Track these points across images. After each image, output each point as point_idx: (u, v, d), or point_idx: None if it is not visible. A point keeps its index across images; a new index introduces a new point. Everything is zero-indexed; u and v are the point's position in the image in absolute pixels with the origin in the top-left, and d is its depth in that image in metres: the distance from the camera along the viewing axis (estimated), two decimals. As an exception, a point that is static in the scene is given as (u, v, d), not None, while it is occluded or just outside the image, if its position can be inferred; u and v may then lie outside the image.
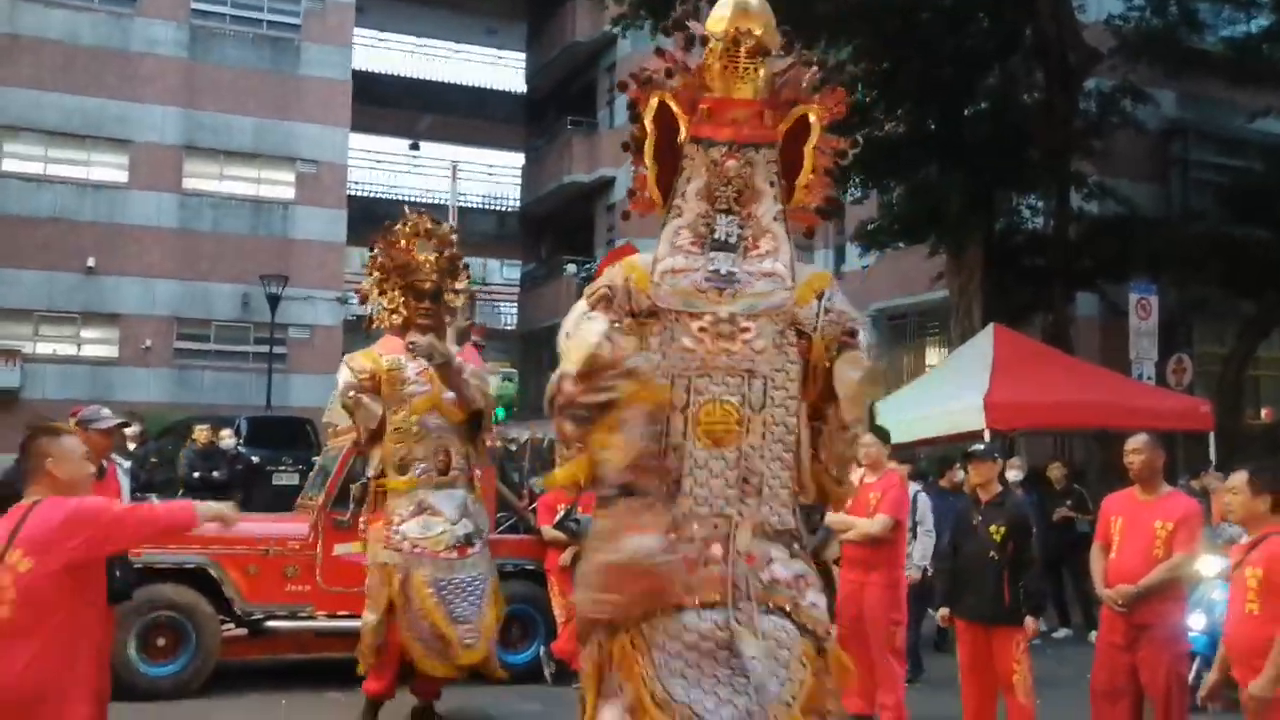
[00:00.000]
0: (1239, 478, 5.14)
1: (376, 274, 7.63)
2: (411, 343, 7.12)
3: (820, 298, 3.55)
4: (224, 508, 4.51)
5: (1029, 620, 6.63)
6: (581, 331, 3.28)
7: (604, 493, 3.24)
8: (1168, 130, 22.15)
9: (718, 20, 3.53)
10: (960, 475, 11.24)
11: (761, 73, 3.56)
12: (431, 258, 7.54)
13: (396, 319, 7.54)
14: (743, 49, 3.51)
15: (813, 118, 3.65)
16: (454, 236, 7.89)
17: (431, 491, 7.18)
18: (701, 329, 3.43)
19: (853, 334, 3.56)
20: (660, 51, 3.60)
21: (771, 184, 3.60)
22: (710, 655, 3.22)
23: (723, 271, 3.48)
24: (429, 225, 7.67)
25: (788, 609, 3.36)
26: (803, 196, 3.69)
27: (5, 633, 3.74)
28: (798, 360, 3.49)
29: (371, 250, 7.77)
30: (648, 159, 3.63)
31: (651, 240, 3.73)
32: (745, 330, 3.43)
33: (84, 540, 3.85)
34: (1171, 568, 5.82)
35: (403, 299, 7.53)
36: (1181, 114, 22.26)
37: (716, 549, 3.33)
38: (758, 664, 3.23)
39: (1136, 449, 6.14)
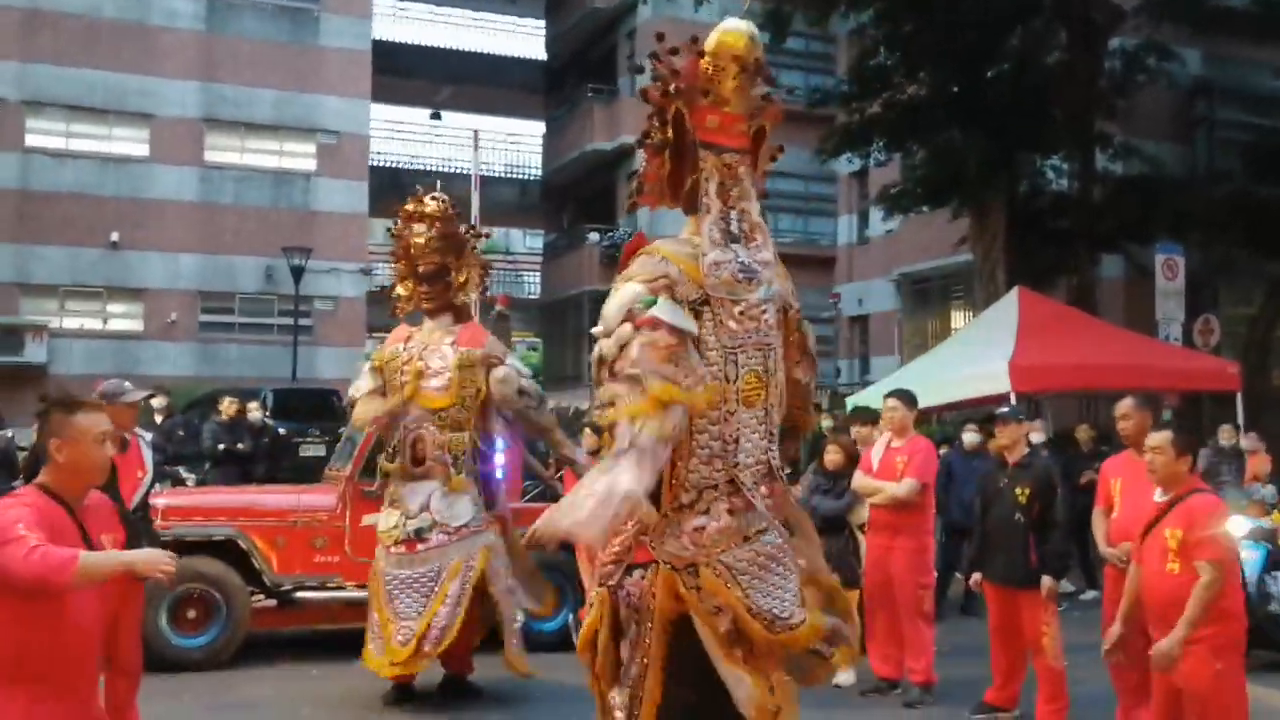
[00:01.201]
0: (1162, 437, 5.12)
1: (400, 265, 7.69)
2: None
3: (787, 279, 4.31)
4: (125, 557, 3.52)
5: (1046, 581, 6.61)
6: (681, 318, 3.87)
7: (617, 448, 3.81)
8: (1193, 89, 21.86)
9: (734, 43, 4.03)
10: (970, 437, 11.21)
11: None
12: (421, 240, 7.50)
13: (409, 306, 7.59)
14: (756, 73, 4.10)
15: (767, 126, 4.28)
16: (453, 210, 7.76)
17: (403, 483, 7.21)
18: (741, 313, 4.04)
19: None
20: (658, 58, 4.09)
21: (752, 184, 4.22)
22: (766, 568, 4.04)
23: (746, 263, 4.07)
24: (417, 206, 7.61)
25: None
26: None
27: None
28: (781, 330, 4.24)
29: (390, 234, 7.81)
30: (669, 160, 4.15)
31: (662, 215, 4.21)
32: (764, 312, 4.10)
33: None
34: None
35: (414, 285, 7.55)
36: (1207, 72, 21.95)
37: (763, 489, 4.10)
38: (795, 570, 4.17)
39: (1125, 414, 6.26)
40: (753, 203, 4.16)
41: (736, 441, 4.02)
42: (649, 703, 3.93)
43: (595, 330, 4.02)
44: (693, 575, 3.95)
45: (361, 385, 7.45)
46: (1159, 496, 5.16)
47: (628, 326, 3.84)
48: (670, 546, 3.97)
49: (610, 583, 4.07)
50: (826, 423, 12.52)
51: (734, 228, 4.08)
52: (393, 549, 7.07)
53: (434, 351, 7.28)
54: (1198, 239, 17.69)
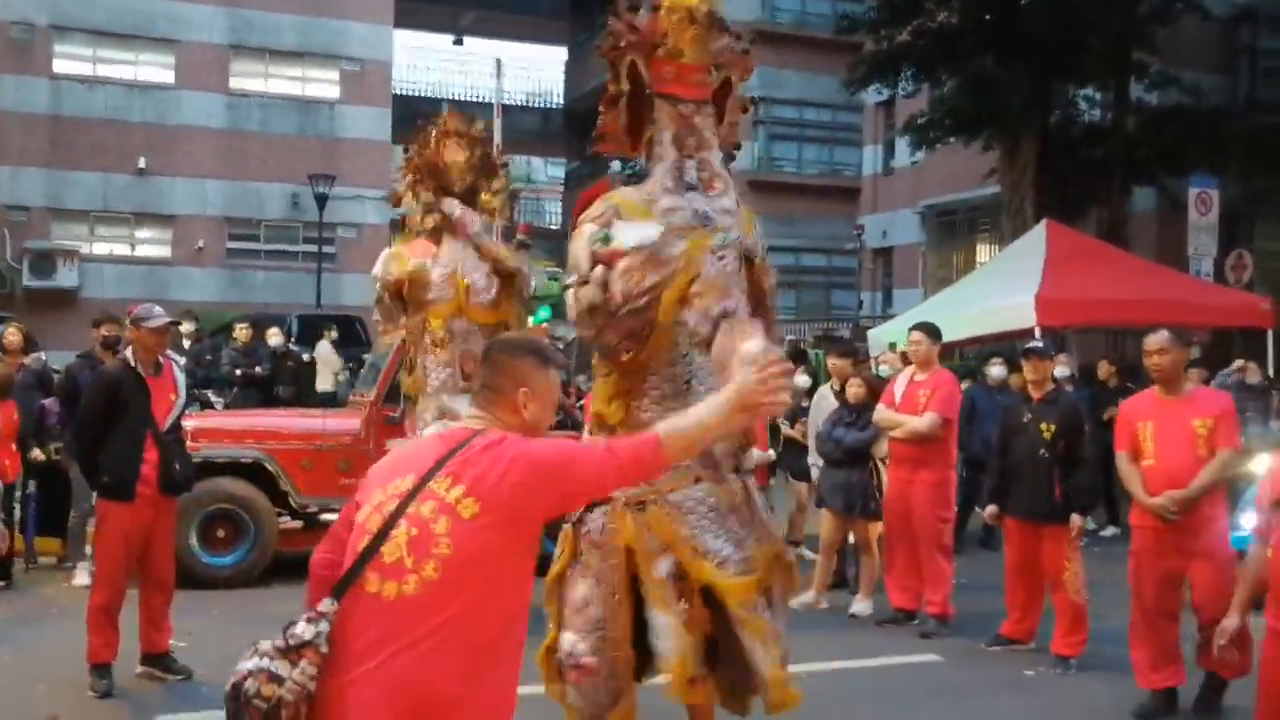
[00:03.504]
0: None
1: (410, 176, 7.52)
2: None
3: (754, 229, 4.41)
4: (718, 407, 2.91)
5: (1075, 518, 6.62)
6: (639, 227, 4.00)
7: (704, 329, 4.04)
8: (1236, 16, 21.36)
9: None
10: (995, 371, 11.17)
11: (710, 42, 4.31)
12: (461, 158, 7.41)
13: (430, 222, 7.45)
14: (712, 23, 4.25)
15: (734, 78, 4.42)
16: (488, 134, 7.72)
17: (451, 396, 7.17)
18: None
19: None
20: (617, 15, 4.22)
21: (713, 134, 4.32)
22: (717, 510, 4.08)
23: (701, 210, 4.16)
24: (459, 125, 7.52)
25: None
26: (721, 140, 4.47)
27: (431, 606, 2.51)
28: (744, 278, 4.30)
29: (405, 151, 7.68)
30: (623, 110, 4.28)
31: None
32: (722, 258, 4.15)
33: (560, 495, 2.72)
34: (1222, 466, 5.56)
35: (435, 201, 7.44)
36: (1250, -1, 21.46)
37: None
38: (763, 513, 4.31)
39: (1162, 348, 5.69)
40: (713, 152, 4.28)
41: (688, 384, 4.09)
42: (620, 634, 3.97)
43: (569, 280, 4.12)
44: (640, 511, 4.03)
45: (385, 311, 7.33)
46: None
47: (600, 269, 3.98)
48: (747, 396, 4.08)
49: (573, 519, 4.13)
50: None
51: (690, 176, 4.19)
52: None
53: (475, 268, 7.21)
54: (1236, 171, 17.41)
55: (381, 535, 2.55)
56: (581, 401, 9.45)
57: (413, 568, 2.50)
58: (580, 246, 4.05)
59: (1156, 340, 5.75)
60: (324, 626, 2.49)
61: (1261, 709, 4.11)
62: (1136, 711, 5.79)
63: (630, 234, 3.98)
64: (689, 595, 3.99)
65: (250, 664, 2.47)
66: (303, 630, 2.48)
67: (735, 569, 4.04)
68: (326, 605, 2.53)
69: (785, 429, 9.81)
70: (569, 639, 4.04)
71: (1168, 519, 5.59)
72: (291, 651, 2.47)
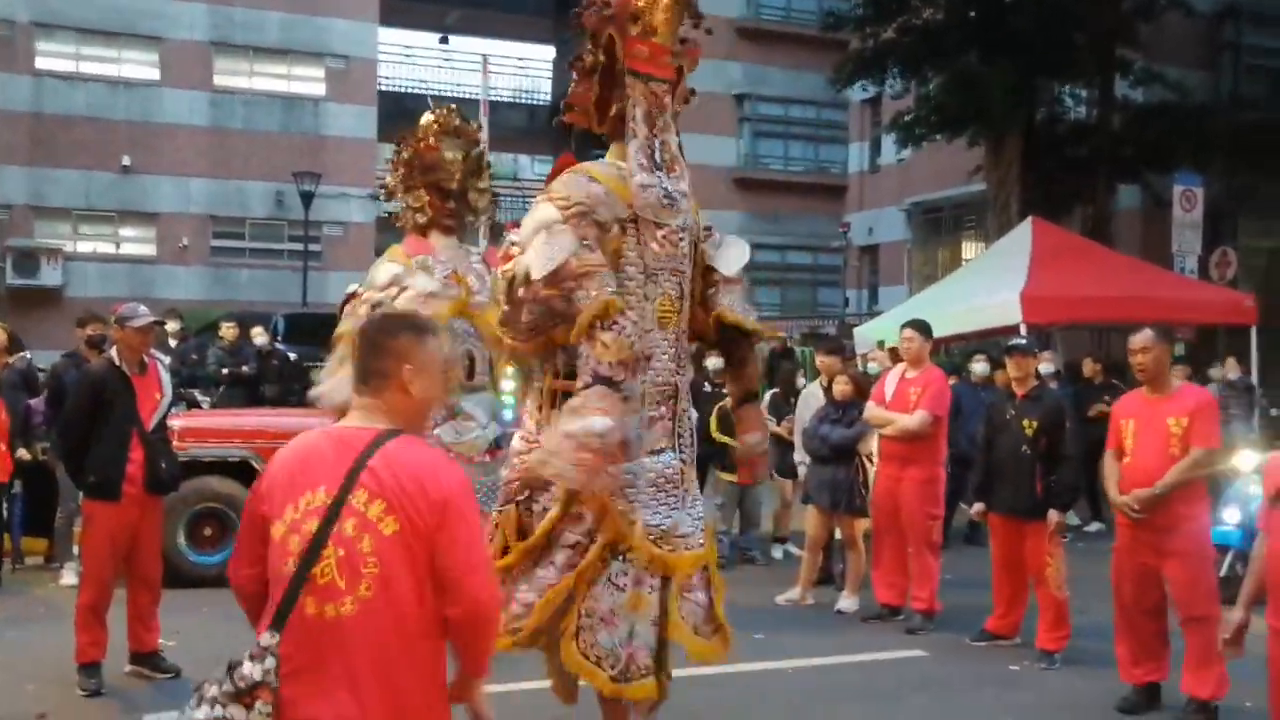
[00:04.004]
0: None
1: (402, 170, 7.47)
2: None
3: (697, 214, 4.53)
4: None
5: (1052, 514, 6.64)
6: (556, 243, 3.98)
7: (585, 380, 3.99)
8: (1219, 12, 21.46)
9: None
10: (979, 368, 11.22)
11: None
12: (459, 156, 7.37)
13: (421, 218, 7.39)
14: (685, 5, 4.28)
15: (684, 68, 4.45)
16: (480, 134, 7.70)
17: (461, 396, 7.12)
18: (663, 237, 4.21)
19: (709, 228, 4.64)
20: None
21: (674, 118, 4.35)
22: (658, 485, 4.17)
23: (668, 190, 4.22)
24: (457, 122, 7.48)
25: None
26: None
27: (370, 625, 2.47)
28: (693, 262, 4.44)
29: (396, 146, 7.62)
30: (599, 85, 4.32)
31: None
32: (681, 239, 4.28)
33: (446, 560, 2.52)
34: (1192, 464, 5.52)
35: (428, 198, 7.40)
36: (1235, -5, 21.59)
37: (664, 409, 4.26)
38: (695, 491, 4.39)
39: (1145, 346, 5.69)
40: (673, 135, 4.31)
41: (648, 359, 4.19)
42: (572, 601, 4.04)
43: (512, 237, 4.18)
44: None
45: (423, 283, 6.78)
46: None
47: (514, 264, 4.08)
48: (535, 455, 4.11)
49: (519, 498, 4.21)
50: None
51: (659, 156, 4.24)
52: (477, 458, 6.71)
53: (468, 269, 7.17)
54: (1220, 168, 17.50)
55: (309, 558, 2.48)
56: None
57: (347, 589, 2.45)
58: (531, 222, 4.09)
59: (1140, 339, 5.76)
60: (271, 663, 2.43)
61: (1276, 706, 4.10)
62: (1120, 706, 5.85)
63: (539, 263, 3.97)
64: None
65: (202, 713, 2.40)
66: (250, 671, 2.42)
67: (670, 546, 4.15)
68: (268, 639, 2.46)
69: (772, 426, 9.83)
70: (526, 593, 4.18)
71: (1133, 517, 5.63)
72: (244, 695, 2.40)
